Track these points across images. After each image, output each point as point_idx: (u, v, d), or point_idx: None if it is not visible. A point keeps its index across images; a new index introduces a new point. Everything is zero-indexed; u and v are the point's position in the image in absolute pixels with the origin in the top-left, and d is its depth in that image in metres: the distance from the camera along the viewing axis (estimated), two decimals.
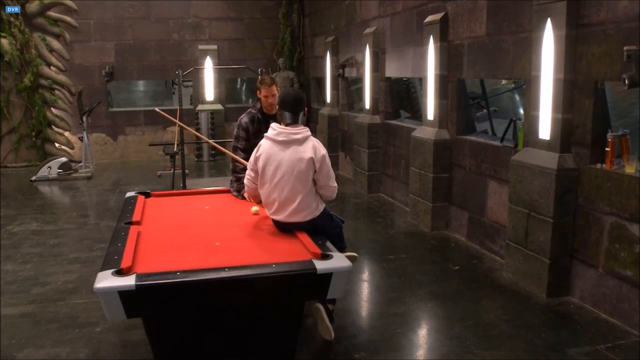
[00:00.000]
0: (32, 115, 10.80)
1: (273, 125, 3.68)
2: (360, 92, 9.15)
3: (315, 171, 3.58)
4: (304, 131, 3.63)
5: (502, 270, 4.95)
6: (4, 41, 10.33)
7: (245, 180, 3.84)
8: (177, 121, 6.42)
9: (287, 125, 3.63)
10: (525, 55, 4.71)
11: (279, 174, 3.56)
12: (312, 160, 3.54)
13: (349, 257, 3.49)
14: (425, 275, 4.94)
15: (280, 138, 3.58)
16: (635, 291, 3.77)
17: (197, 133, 7.06)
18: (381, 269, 5.13)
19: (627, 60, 3.51)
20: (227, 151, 5.33)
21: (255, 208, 4.09)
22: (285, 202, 3.58)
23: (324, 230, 3.68)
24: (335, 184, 3.73)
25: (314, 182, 3.63)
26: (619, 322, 3.91)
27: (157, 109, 6.22)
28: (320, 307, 3.63)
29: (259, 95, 4.43)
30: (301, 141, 3.58)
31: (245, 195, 4.18)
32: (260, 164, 3.63)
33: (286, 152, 3.56)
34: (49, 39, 10.90)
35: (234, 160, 4.56)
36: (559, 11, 4.17)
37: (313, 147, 3.58)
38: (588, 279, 4.19)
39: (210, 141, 6.18)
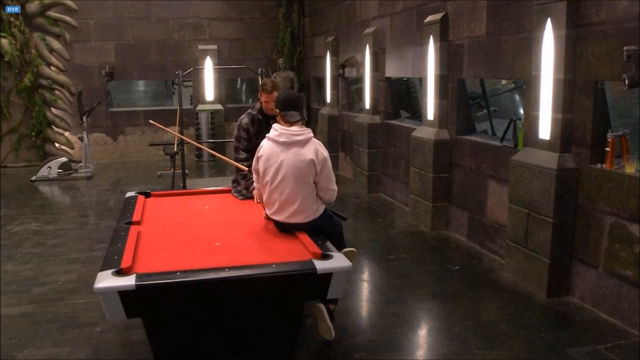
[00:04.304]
0: (32, 115, 10.80)
1: (275, 125, 3.66)
2: (360, 92, 9.15)
3: (316, 173, 3.58)
4: (306, 132, 3.60)
5: (502, 270, 4.95)
6: (4, 41, 10.33)
7: (254, 183, 3.91)
8: (171, 131, 6.51)
9: (292, 124, 3.61)
10: (525, 55, 4.71)
11: (280, 176, 3.55)
12: (312, 162, 3.53)
13: (348, 253, 3.50)
14: (425, 275, 4.94)
15: (282, 139, 3.56)
16: (635, 291, 3.77)
17: (193, 142, 7.11)
18: (381, 269, 5.13)
19: (627, 60, 3.51)
20: (225, 158, 5.36)
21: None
22: (285, 203, 3.58)
23: (324, 230, 3.68)
24: (336, 187, 3.72)
25: (315, 184, 3.63)
26: (619, 322, 3.91)
27: (151, 121, 6.37)
28: (322, 306, 3.63)
29: (260, 97, 4.44)
30: (303, 143, 3.56)
31: (254, 194, 4.18)
32: (261, 164, 3.64)
33: (287, 153, 3.54)
34: (49, 39, 10.90)
35: (236, 152, 4.55)
36: (559, 11, 4.17)
37: (315, 150, 3.56)
38: (588, 279, 4.19)
39: (209, 150, 6.24)
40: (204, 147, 6.41)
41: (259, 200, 4.05)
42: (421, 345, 3.77)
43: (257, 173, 3.72)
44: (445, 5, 6.00)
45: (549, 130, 4.38)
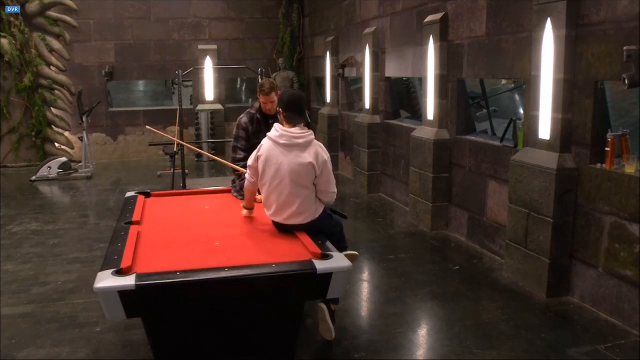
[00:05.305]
0: (32, 115, 10.80)
1: (276, 126, 3.63)
2: (360, 92, 9.15)
3: (315, 176, 3.56)
4: (308, 135, 3.57)
5: (502, 270, 4.95)
6: (4, 41, 10.33)
7: (246, 176, 3.83)
8: (170, 137, 6.55)
9: (294, 125, 3.59)
10: (525, 55, 4.71)
11: (278, 178, 3.53)
12: (312, 165, 3.50)
13: (350, 256, 3.49)
14: (425, 275, 4.94)
15: (282, 141, 3.53)
16: (635, 291, 3.77)
17: (192, 146, 7.16)
18: (381, 269, 5.13)
19: (627, 60, 3.51)
20: (222, 160, 5.37)
21: (245, 212, 4.08)
22: (283, 205, 3.57)
23: (324, 230, 3.67)
24: (335, 190, 3.71)
25: (314, 186, 3.62)
26: (619, 322, 3.91)
27: (148, 127, 6.41)
28: (324, 307, 3.62)
29: (258, 97, 4.43)
30: (303, 146, 3.53)
31: (245, 186, 4.19)
32: (260, 164, 3.61)
33: (287, 156, 3.51)
34: (49, 39, 10.90)
35: (234, 152, 4.54)
36: (559, 11, 4.17)
37: (315, 153, 3.53)
38: (588, 279, 4.19)
39: (207, 153, 6.28)
40: (203, 152, 6.41)
41: (246, 198, 3.96)
42: (421, 345, 3.77)
43: (255, 171, 3.68)
44: (445, 5, 6.00)
45: (549, 130, 4.38)
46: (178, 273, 2.88)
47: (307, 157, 3.50)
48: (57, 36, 11.01)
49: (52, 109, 11.06)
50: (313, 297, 3.43)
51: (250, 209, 4.02)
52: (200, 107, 11.71)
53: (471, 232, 5.77)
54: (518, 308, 4.23)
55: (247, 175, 3.80)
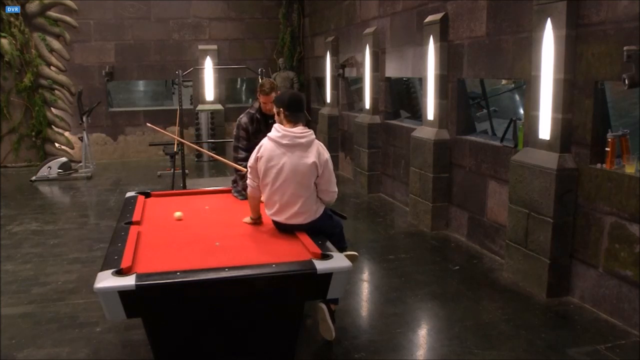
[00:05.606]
0: (32, 115, 10.80)
1: (277, 126, 3.62)
2: (360, 92, 9.15)
3: (317, 176, 3.57)
4: (309, 134, 3.57)
5: (502, 270, 4.95)
6: (4, 41, 10.33)
7: (247, 180, 3.79)
8: (170, 134, 6.54)
9: (295, 125, 3.58)
10: (525, 55, 4.71)
11: (281, 178, 3.53)
12: (315, 165, 3.51)
13: (349, 257, 3.49)
14: (425, 275, 4.94)
15: (284, 141, 3.53)
16: (635, 291, 3.77)
17: (192, 144, 7.17)
18: (381, 269, 5.13)
19: (627, 60, 3.51)
20: (224, 159, 5.37)
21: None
22: (286, 205, 3.57)
23: (324, 230, 3.67)
24: (336, 189, 3.71)
25: (315, 185, 3.62)
26: (619, 322, 3.91)
27: (148, 124, 6.43)
28: (324, 306, 3.63)
29: (258, 97, 4.44)
30: (306, 146, 3.53)
31: (247, 193, 4.17)
32: (261, 165, 3.59)
33: (289, 156, 3.51)
34: (49, 39, 10.89)
35: (236, 151, 4.55)
36: (559, 11, 4.17)
37: (317, 152, 3.54)
38: (588, 279, 4.19)
39: (208, 152, 6.29)
40: (204, 150, 6.42)
41: (251, 206, 3.86)
42: (421, 345, 3.77)
43: (255, 172, 3.66)
44: (445, 5, 6.00)
45: (549, 130, 4.38)
46: (178, 273, 2.88)
47: (310, 157, 3.51)
48: (57, 36, 11.01)
49: (52, 109, 11.06)
50: (313, 297, 3.43)
51: (256, 218, 3.88)
52: (200, 107, 11.70)
53: (471, 232, 5.77)
54: (518, 308, 4.23)
55: (248, 180, 3.74)
